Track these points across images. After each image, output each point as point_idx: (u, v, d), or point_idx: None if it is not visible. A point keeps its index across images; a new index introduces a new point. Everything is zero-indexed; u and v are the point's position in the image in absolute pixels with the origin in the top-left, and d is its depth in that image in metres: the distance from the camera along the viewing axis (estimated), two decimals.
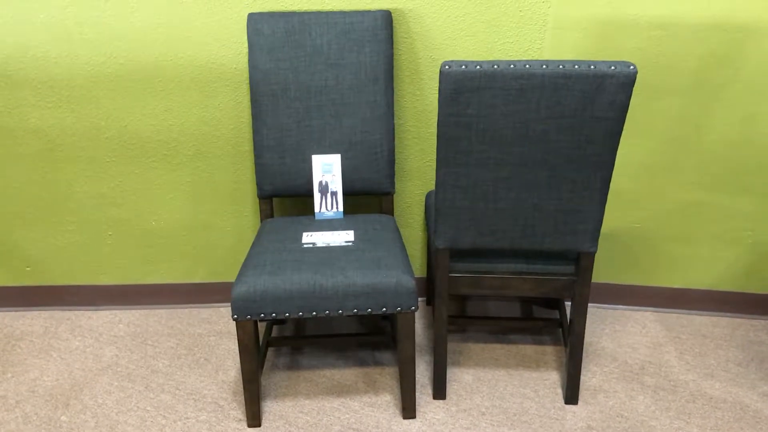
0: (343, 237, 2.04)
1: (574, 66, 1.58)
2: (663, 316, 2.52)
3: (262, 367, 2.12)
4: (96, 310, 2.58)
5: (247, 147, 2.34)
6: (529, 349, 2.33)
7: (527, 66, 1.58)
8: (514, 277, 1.96)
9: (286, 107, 2.12)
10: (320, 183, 2.16)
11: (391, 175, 2.21)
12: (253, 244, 2.07)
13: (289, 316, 1.86)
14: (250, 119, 2.30)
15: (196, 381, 2.19)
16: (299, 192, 2.20)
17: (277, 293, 1.83)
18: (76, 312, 2.57)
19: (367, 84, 2.12)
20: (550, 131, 1.66)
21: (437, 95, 2.28)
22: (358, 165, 2.17)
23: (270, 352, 2.33)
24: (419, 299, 2.63)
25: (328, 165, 2.16)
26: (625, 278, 2.51)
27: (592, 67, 1.58)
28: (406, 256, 1.98)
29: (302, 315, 1.86)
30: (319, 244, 2.00)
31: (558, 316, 2.48)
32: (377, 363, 2.27)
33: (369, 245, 1.99)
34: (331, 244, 2.00)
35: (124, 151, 2.33)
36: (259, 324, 2.45)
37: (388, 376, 2.20)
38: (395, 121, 2.32)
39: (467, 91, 1.61)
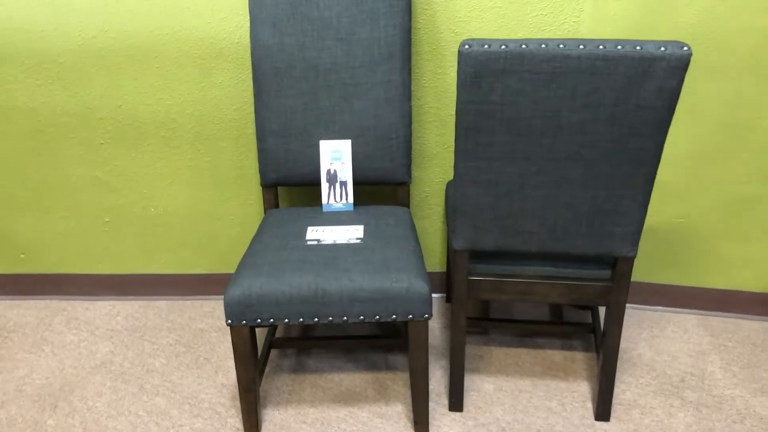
0: (351, 233, 1.84)
1: (616, 47, 1.34)
2: (707, 319, 2.29)
3: (263, 373, 1.95)
4: (94, 300, 2.43)
5: (252, 130, 2.14)
6: (557, 356, 2.12)
7: (561, 46, 1.35)
8: (541, 282, 1.75)
9: (290, 87, 1.92)
10: (328, 172, 1.96)
11: (407, 164, 2.00)
12: (254, 238, 1.88)
13: (289, 322, 1.68)
14: (252, 100, 2.10)
15: (193, 383, 2.03)
16: (306, 181, 2.00)
17: (275, 297, 1.65)
18: (73, 302, 2.43)
19: (382, 62, 1.90)
20: (587, 122, 1.43)
21: None
22: (371, 152, 1.96)
23: (274, 353, 2.16)
24: (438, 296, 2.43)
25: (337, 152, 1.95)
26: (665, 277, 2.28)
27: (638, 48, 1.34)
28: (421, 256, 1.78)
29: (303, 321, 1.68)
30: (325, 241, 1.81)
31: (590, 320, 2.27)
32: (390, 367, 2.08)
33: (380, 243, 1.79)
34: (338, 242, 1.80)
35: (119, 133, 2.16)
36: None
37: (400, 382, 2.02)
38: (413, 103, 2.10)
39: (490, 74, 1.38)
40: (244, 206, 2.26)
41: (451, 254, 1.83)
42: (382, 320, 1.69)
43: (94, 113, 2.12)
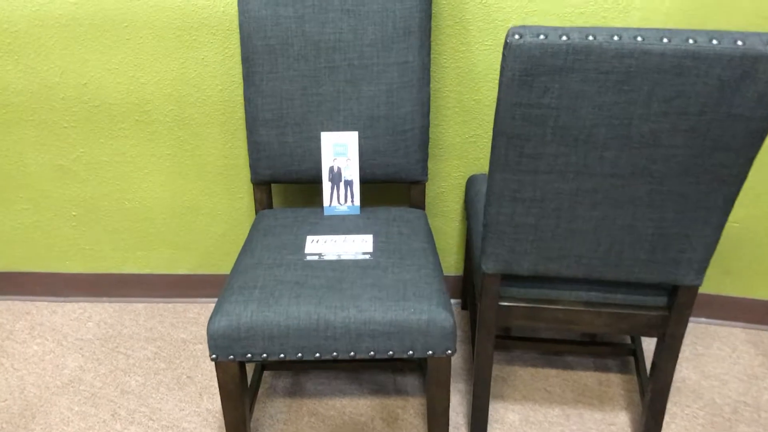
0: (358, 246, 1.55)
1: (711, 41, 1.04)
2: (757, 335, 2.02)
3: (254, 404, 1.68)
4: (63, 302, 2.15)
5: (241, 115, 1.83)
6: (590, 378, 1.86)
7: (639, 39, 1.04)
8: (584, 310, 1.48)
9: (287, 69, 1.60)
10: (331, 169, 1.66)
11: (424, 160, 1.70)
12: (243, 249, 1.59)
13: (285, 357, 1.40)
14: (242, 77, 1.78)
15: (174, 408, 1.76)
16: (304, 178, 1.70)
17: (269, 330, 1.37)
18: (39, 304, 2.14)
19: (397, 38, 1.58)
20: (663, 133, 1.14)
21: (488, 54, 1.73)
22: (381, 146, 1.66)
23: (267, 373, 1.89)
24: (453, 301, 2.15)
25: (341, 146, 1.65)
26: (711, 286, 2.01)
27: (739, 42, 1.03)
28: (441, 276, 1.50)
29: (302, 357, 1.40)
30: (327, 256, 1.52)
31: (629, 340, 2.00)
32: (399, 391, 1.82)
33: (393, 260, 1.50)
34: (343, 257, 1.52)
35: (85, 115, 1.84)
36: None
37: (412, 411, 1.76)
38: (431, 86, 1.79)
39: (545, 72, 1.08)
40: (233, 200, 1.96)
41: (476, 274, 1.55)
42: (396, 356, 1.41)
43: (55, 92, 1.80)
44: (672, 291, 1.44)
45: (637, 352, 1.81)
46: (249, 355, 1.40)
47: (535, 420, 1.73)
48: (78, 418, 1.73)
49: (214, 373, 1.87)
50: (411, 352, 1.40)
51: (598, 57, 1.05)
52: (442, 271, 1.52)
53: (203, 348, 1.96)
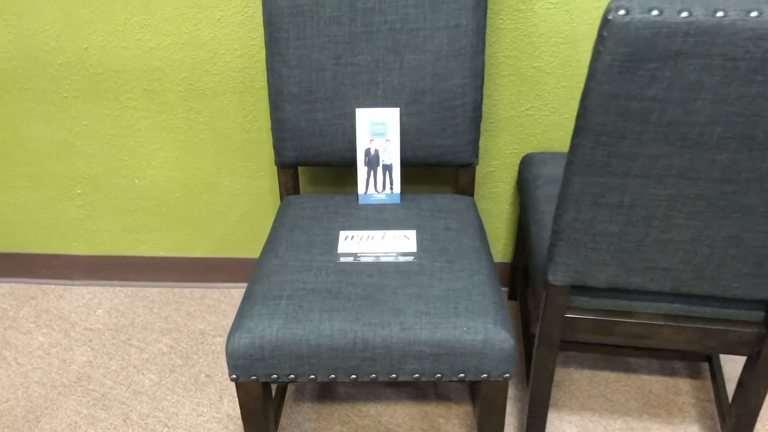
0: (399, 244, 1.33)
1: None
2: None
3: (278, 424, 1.50)
4: (71, 285, 1.97)
5: (262, 83, 1.60)
6: (655, 384, 1.65)
7: None
8: (665, 325, 1.26)
9: (317, 34, 1.36)
10: (367, 152, 1.43)
11: (476, 140, 1.46)
12: (267, 245, 1.38)
13: (316, 379, 1.21)
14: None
15: (192, 413, 1.59)
16: (335, 161, 1.48)
17: (297, 349, 1.17)
18: (45, 287, 1.96)
19: None
20: None
21: (551, 14, 1.47)
22: (426, 125, 1.42)
23: None
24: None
25: (379, 124, 1.41)
26: None
27: None
28: (498, 285, 1.28)
29: (335, 378, 1.21)
30: (364, 257, 1.30)
31: None
32: (441, 396, 1.63)
33: (440, 262, 1.29)
34: (382, 259, 1.30)
35: (87, 84, 1.62)
36: None
37: (456, 420, 1.57)
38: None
39: (656, 58, 0.83)
40: (255, 179, 1.74)
41: (535, 279, 1.33)
42: (444, 380, 1.21)
43: (52, 58, 1.58)
44: None
45: (712, 357, 1.60)
46: (274, 376, 1.20)
47: None
48: (86, 422, 1.57)
49: None
50: (462, 374, 1.20)
51: (727, 39, 0.80)
52: (497, 277, 1.30)
53: (222, 341, 1.77)
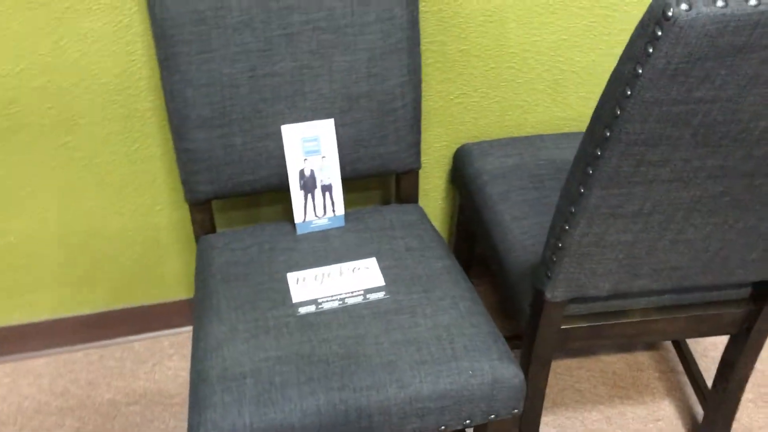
0: (362, 278, 1.15)
1: None
2: None
3: None
4: None
5: (149, 104, 1.32)
6: (616, 363, 1.60)
7: None
8: (658, 319, 1.18)
9: (226, 44, 1.11)
10: (302, 174, 1.21)
11: (418, 143, 1.29)
12: (200, 306, 1.13)
13: None
14: (149, 56, 1.26)
15: None
16: (260, 189, 1.25)
17: None
18: None
19: None
20: None
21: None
22: (364, 134, 1.23)
23: None
24: None
25: (312, 141, 1.20)
26: None
27: None
28: (482, 305, 1.13)
29: None
30: (327, 304, 1.10)
31: None
32: None
33: (416, 293, 1.12)
34: (349, 301, 1.11)
35: None
36: None
37: None
38: None
39: (715, 56, 0.70)
40: (148, 216, 1.46)
41: (517, 292, 1.19)
42: (448, 431, 1.06)
43: None
44: (761, 282, 1.17)
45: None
46: None
47: (574, 431, 1.45)
48: None
49: None
50: (469, 420, 1.05)
51: None
52: (478, 296, 1.16)
53: (141, 409, 1.50)
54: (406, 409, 1.00)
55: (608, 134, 0.80)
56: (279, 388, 0.98)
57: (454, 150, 1.51)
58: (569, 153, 1.43)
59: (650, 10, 0.69)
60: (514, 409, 1.06)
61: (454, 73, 1.41)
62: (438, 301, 1.11)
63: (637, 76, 0.72)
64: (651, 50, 0.70)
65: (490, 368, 1.02)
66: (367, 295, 1.12)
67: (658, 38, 0.68)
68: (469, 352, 1.03)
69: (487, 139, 1.52)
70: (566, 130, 1.56)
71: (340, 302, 1.11)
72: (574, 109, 1.52)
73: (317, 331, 1.06)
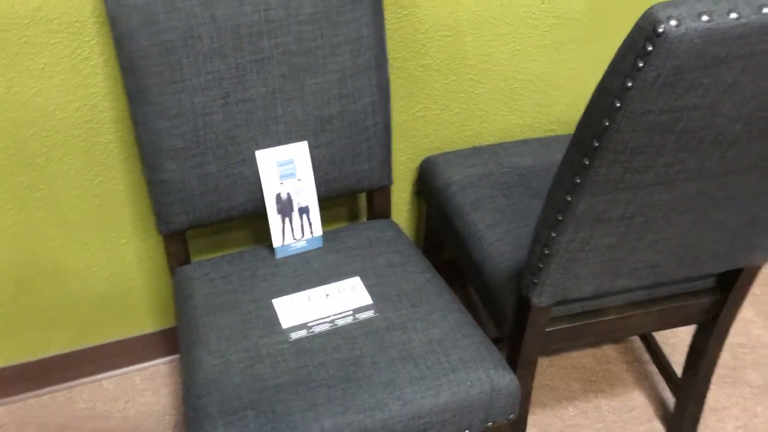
0: (350, 299, 1.15)
1: None
2: None
3: None
4: None
5: (111, 135, 1.28)
6: (583, 358, 1.65)
7: None
8: (633, 314, 1.23)
9: (197, 73, 1.10)
10: (278, 198, 1.21)
11: (389, 159, 1.30)
12: (188, 340, 1.11)
13: None
14: (109, 88, 1.23)
15: None
16: (236, 215, 1.24)
17: None
18: None
19: (343, 7, 1.13)
20: None
21: (434, 8, 1.34)
22: (338, 154, 1.23)
23: None
24: None
25: (287, 164, 1.20)
26: None
27: None
28: (469, 314, 1.16)
29: None
30: (318, 327, 1.10)
31: None
32: None
33: (404, 309, 1.13)
34: (339, 322, 1.11)
35: None
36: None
37: None
38: None
39: (701, 67, 0.74)
40: (114, 250, 1.42)
41: (498, 296, 1.22)
42: None
43: None
44: (728, 276, 1.23)
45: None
46: None
47: (554, 428, 1.50)
48: None
49: None
50: (468, 429, 1.07)
51: None
52: (463, 306, 1.18)
53: None
54: (409, 425, 1.01)
55: (597, 144, 0.83)
56: (282, 417, 0.97)
57: (417, 163, 1.54)
58: (530, 159, 1.47)
59: (639, 26, 0.72)
60: (510, 415, 1.09)
61: (416, 88, 1.43)
62: (427, 315, 1.12)
63: (627, 89, 0.76)
64: (641, 65, 0.73)
65: (488, 377, 1.04)
66: (357, 315, 1.12)
67: (648, 53, 0.72)
68: (465, 363, 1.05)
69: (448, 150, 1.55)
70: (523, 136, 1.60)
71: (331, 324, 1.11)
72: (530, 116, 1.56)
73: (313, 356, 1.06)
